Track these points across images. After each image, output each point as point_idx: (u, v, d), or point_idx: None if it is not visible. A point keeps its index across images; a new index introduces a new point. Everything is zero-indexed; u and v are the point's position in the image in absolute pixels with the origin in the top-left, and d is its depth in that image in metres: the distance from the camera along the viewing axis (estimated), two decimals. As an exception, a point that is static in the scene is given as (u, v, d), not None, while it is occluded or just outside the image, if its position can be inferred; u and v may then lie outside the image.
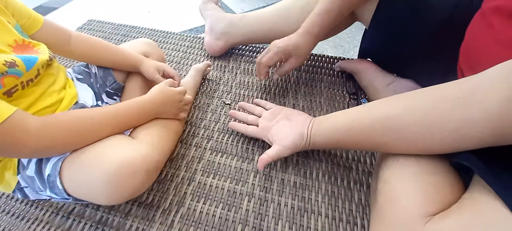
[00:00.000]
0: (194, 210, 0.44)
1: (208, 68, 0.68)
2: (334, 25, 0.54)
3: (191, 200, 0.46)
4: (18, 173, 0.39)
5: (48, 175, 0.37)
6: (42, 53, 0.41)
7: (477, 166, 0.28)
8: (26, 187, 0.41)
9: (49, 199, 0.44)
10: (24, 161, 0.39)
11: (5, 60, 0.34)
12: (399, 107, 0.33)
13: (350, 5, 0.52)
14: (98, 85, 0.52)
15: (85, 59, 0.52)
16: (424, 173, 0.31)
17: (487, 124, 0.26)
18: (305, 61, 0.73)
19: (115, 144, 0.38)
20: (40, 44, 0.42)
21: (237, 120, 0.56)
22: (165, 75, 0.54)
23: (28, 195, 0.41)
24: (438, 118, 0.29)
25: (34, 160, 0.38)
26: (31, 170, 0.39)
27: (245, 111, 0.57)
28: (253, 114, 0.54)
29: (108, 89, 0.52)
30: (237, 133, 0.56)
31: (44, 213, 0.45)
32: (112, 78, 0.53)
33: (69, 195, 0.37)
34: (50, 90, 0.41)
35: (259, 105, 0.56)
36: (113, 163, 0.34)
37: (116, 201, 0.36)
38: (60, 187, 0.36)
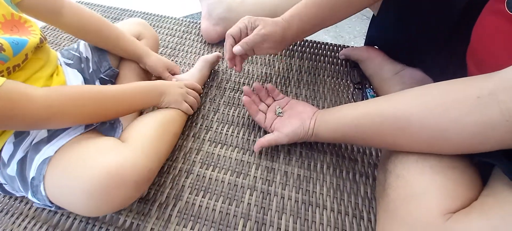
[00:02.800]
0: (192, 204, 0.42)
1: (219, 60, 0.62)
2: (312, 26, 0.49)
3: (189, 194, 0.43)
4: None
5: (32, 178, 0.33)
6: (33, 34, 0.37)
7: (503, 165, 0.26)
8: (5, 184, 0.37)
9: (27, 198, 0.40)
10: (5, 157, 0.35)
11: None
12: (413, 106, 0.31)
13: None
14: (90, 71, 0.48)
15: (80, 34, 0.47)
16: (443, 167, 0.29)
17: (510, 126, 0.24)
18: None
19: (104, 148, 0.34)
20: (31, 22, 0.38)
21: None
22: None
23: (6, 190, 0.38)
24: (456, 121, 0.27)
25: (16, 159, 0.35)
26: (12, 169, 0.35)
27: (257, 96, 0.53)
28: (265, 103, 0.51)
29: (102, 76, 0.48)
30: (238, 123, 0.53)
31: (29, 208, 0.41)
32: (107, 64, 0.49)
33: (52, 202, 0.34)
34: (35, 76, 0.38)
35: (271, 94, 0.52)
36: (98, 171, 0.30)
37: (98, 213, 0.33)
38: (43, 193, 0.33)
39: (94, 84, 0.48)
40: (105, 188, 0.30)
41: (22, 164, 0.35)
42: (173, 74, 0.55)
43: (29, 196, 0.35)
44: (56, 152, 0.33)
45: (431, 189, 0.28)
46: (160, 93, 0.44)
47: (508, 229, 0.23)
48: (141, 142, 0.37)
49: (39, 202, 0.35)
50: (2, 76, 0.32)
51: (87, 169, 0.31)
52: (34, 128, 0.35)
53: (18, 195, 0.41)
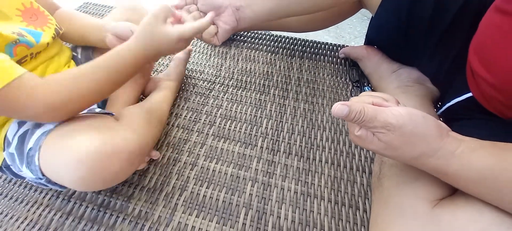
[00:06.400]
0: (197, 194, 0.44)
1: (190, 54, 0.64)
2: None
3: (194, 184, 0.45)
4: (4, 149, 0.37)
5: (29, 149, 0.34)
6: (50, 22, 0.39)
7: None
8: (11, 165, 0.38)
9: (24, 179, 0.41)
10: (10, 136, 0.37)
11: (12, 32, 0.33)
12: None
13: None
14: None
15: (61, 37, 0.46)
16: None
17: None
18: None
19: (99, 123, 0.36)
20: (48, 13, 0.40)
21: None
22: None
23: (14, 172, 0.39)
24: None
25: (18, 135, 0.36)
26: (13, 146, 0.36)
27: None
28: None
29: None
30: (240, 119, 0.56)
31: (44, 196, 0.44)
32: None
33: (43, 175, 0.34)
34: (54, 63, 0.40)
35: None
36: (90, 141, 0.31)
37: (89, 187, 0.33)
38: (37, 163, 0.33)
39: None
40: (97, 157, 0.30)
41: (23, 138, 0.35)
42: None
43: (24, 169, 0.35)
44: (56, 126, 0.34)
45: (420, 177, 0.30)
46: (156, 52, 0.38)
47: (492, 214, 0.25)
48: (131, 122, 0.39)
49: (32, 176, 0.36)
50: (26, 61, 0.35)
51: (80, 140, 0.31)
52: (52, 115, 0.34)
53: (18, 177, 0.41)
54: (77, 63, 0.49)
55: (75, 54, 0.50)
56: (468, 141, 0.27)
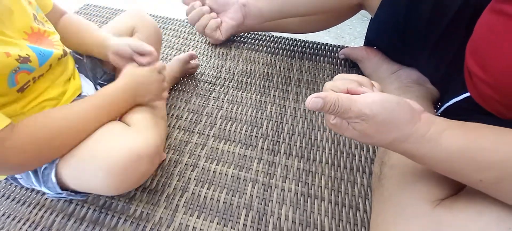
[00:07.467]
0: (198, 195, 0.44)
1: (193, 60, 0.62)
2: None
3: (195, 186, 0.46)
4: None
5: (44, 168, 0.36)
6: (56, 45, 0.39)
7: None
8: (20, 179, 0.39)
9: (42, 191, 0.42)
10: None
11: (19, 55, 0.32)
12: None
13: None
14: (91, 76, 0.48)
15: (65, 42, 0.44)
16: None
17: None
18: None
19: (116, 131, 0.37)
20: (55, 34, 0.40)
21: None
22: (140, 54, 0.44)
23: (21, 184, 0.41)
24: None
25: None
26: None
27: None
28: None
29: (100, 82, 0.49)
30: (241, 120, 0.56)
31: (46, 198, 0.44)
32: (101, 70, 0.49)
33: (62, 189, 0.36)
34: (57, 82, 0.40)
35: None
36: (117, 150, 0.33)
37: (118, 191, 0.35)
38: (54, 180, 0.35)
39: (96, 88, 0.48)
40: (124, 165, 0.33)
41: None
42: (141, 55, 0.44)
43: (42, 188, 0.37)
44: None
45: (421, 178, 0.30)
46: (134, 102, 0.42)
47: (493, 215, 0.25)
48: (143, 125, 0.40)
49: (50, 193, 0.38)
50: (29, 86, 0.34)
51: (106, 150, 0.33)
52: (39, 162, 0.34)
53: (33, 188, 0.43)
54: (83, 68, 0.48)
55: (80, 58, 0.49)
56: (437, 123, 0.27)
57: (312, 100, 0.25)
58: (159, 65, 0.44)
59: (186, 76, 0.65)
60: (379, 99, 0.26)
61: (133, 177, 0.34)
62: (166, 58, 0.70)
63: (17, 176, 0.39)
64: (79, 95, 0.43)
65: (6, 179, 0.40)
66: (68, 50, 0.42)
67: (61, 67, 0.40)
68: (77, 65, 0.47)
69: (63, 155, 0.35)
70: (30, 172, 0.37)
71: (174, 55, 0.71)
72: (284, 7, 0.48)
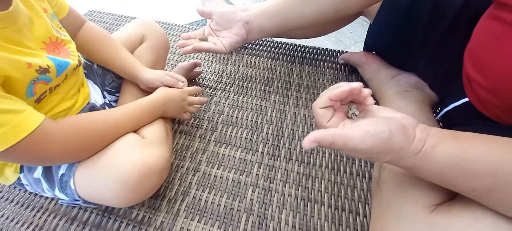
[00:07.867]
0: (199, 199, 0.45)
1: (197, 68, 0.64)
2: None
3: (196, 190, 0.46)
4: (21, 172, 0.39)
5: (62, 175, 0.37)
6: (72, 55, 0.39)
7: None
8: (27, 185, 0.40)
9: (53, 197, 0.44)
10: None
11: (39, 66, 0.32)
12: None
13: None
14: (99, 82, 0.49)
15: (84, 51, 0.47)
16: None
17: None
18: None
19: (130, 144, 0.38)
20: (71, 43, 0.40)
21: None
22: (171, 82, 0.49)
23: (27, 189, 0.41)
24: None
25: None
26: (38, 172, 0.38)
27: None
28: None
29: (107, 88, 0.50)
30: (241, 124, 0.56)
31: (49, 202, 0.45)
32: (111, 77, 0.50)
33: (80, 197, 0.37)
34: (70, 93, 0.40)
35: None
36: (131, 164, 0.34)
37: (131, 202, 0.36)
38: (73, 187, 0.36)
39: (103, 93, 0.49)
40: (138, 178, 0.34)
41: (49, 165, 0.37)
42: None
43: (57, 193, 0.38)
44: None
45: (418, 183, 0.31)
46: (162, 113, 0.46)
47: (489, 220, 0.26)
48: (156, 138, 0.41)
49: (66, 198, 0.39)
50: (45, 96, 0.35)
51: (120, 163, 0.34)
52: (70, 160, 0.36)
53: (41, 194, 0.44)
54: (92, 74, 0.48)
55: (90, 64, 0.49)
56: (432, 135, 0.28)
57: (307, 145, 0.26)
58: (189, 90, 0.49)
59: (188, 81, 0.65)
60: (374, 131, 0.26)
61: (144, 190, 0.36)
62: (168, 64, 0.71)
63: (24, 182, 0.40)
64: (87, 103, 0.44)
65: (12, 184, 0.41)
66: (82, 60, 0.43)
67: (74, 77, 0.41)
68: (85, 71, 0.48)
69: (90, 156, 0.37)
70: (43, 179, 0.38)
71: (176, 60, 0.73)
72: (284, 23, 0.51)
